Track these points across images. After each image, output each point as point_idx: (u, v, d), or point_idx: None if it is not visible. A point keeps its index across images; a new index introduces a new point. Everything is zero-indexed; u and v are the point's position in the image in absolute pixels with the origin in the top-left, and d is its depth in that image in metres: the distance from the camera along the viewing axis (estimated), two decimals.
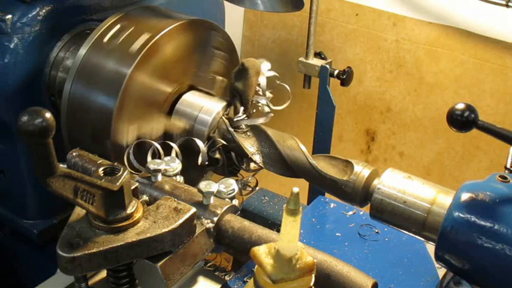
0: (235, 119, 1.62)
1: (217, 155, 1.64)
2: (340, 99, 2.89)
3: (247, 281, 1.49)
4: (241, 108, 1.63)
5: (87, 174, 1.16)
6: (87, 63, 1.63)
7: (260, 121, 1.64)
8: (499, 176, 1.15)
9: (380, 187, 1.31)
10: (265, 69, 1.69)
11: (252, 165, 1.65)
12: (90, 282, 1.23)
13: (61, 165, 1.16)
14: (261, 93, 1.68)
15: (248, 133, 1.64)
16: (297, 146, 1.53)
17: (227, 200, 1.34)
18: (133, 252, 1.13)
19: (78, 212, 1.18)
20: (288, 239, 0.91)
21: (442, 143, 2.83)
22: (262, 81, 1.68)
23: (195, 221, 1.21)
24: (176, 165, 1.39)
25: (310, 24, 2.19)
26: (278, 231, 0.96)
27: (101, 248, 1.10)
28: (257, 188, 1.73)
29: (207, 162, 1.60)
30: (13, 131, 1.71)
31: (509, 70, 2.55)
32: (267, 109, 1.70)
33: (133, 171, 1.45)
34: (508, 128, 1.10)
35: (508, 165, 1.38)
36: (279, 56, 3.20)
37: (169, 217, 1.18)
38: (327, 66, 2.16)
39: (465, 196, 1.12)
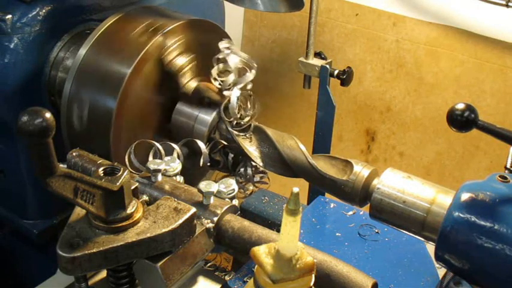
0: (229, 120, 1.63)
1: (218, 157, 1.64)
2: (340, 99, 2.89)
3: (247, 281, 1.49)
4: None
5: (87, 174, 1.16)
6: (87, 63, 1.63)
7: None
8: (499, 176, 1.15)
9: (379, 187, 1.31)
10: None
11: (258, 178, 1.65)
12: (90, 282, 1.23)
13: (61, 165, 1.16)
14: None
15: (248, 133, 1.64)
16: (297, 145, 1.53)
17: (227, 200, 1.34)
18: (133, 252, 1.13)
19: (78, 212, 1.17)
20: (288, 239, 0.91)
21: (442, 143, 2.83)
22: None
23: (195, 221, 1.21)
24: (176, 165, 1.39)
25: (310, 24, 2.19)
26: (278, 231, 0.96)
27: (101, 248, 1.10)
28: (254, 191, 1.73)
29: (208, 163, 1.60)
30: (13, 131, 1.71)
31: (509, 70, 2.55)
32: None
33: (133, 171, 1.45)
34: (508, 128, 1.10)
35: (508, 165, 1.38)
36: (279, 56, 3.20)
37: (169, 217, 1.17)
38: (327, 66, 2.16)
39: (465, 196, 1.12)
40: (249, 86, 1.67)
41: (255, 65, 1.66)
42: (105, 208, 1.12)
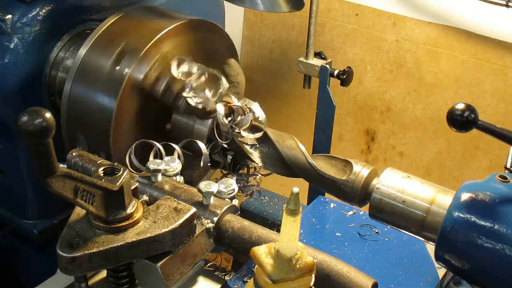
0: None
1: (218, 158, 1.64)
2: (340, 99, 2.89)
3: (247, 281, 1.49)
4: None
5: (87, 174, 1.16)
6: (87, 63, 1.63)
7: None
8: (499, 176, 1.15)
9: (379, 187, 1.31)
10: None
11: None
12: (90, 282, 1.23)
13: (61, 165, 1.16)
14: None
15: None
16: (296, 145, 1.53)
17: (227, 200, 1.34)
18: (133, 252, 1.13)
19: (78, 212, 1.18)
20: (288, 239, 0.91)
21: (442, 143, 2.83)
22: None
23: (195, 221, 1.21)
24: (176, 165, 1.39)
25: (310, 24, 2.19)
26: (278, 231, 0.97)
27: (101, 248, 1.10)
28: (257, 188, 1.72)
29: (209, 164, 1.60)
30: (13, 131, 1.71)
31: (509, 70, 2.55)
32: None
33: (133, 171, 1.45)
34: (508, 128, 1.10)
35: (508, 165, 1.38)
36: (279, 56, 3.20)
37: (169, 217, 1.17)
38: (327, 66, 2.16)
39: (465, 196, 1.12)
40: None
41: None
42: (105, 208, 1.12)
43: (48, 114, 1.05)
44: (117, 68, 1.59)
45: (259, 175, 1.70)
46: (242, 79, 1.73)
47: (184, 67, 1.62)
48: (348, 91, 2.93)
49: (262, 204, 1.99)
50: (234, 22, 3.16)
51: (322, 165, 1.47)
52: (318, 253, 1.20)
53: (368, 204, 1.37)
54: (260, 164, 1.59)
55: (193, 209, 1.20)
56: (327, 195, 1.84)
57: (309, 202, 2.17)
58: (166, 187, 1.32)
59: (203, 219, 1.26)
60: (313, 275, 0.96)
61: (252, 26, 3.26)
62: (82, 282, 1.19)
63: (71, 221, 1.16)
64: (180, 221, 1.17)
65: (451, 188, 1.26)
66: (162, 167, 1.34)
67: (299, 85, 2.36)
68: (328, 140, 2.23)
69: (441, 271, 1.41)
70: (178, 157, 1.50)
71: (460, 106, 1.08)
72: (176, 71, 1.61)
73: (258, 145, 1.59)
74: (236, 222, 1.28)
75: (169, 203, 1.22)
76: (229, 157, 1.65)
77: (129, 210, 1.15)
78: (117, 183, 1.11)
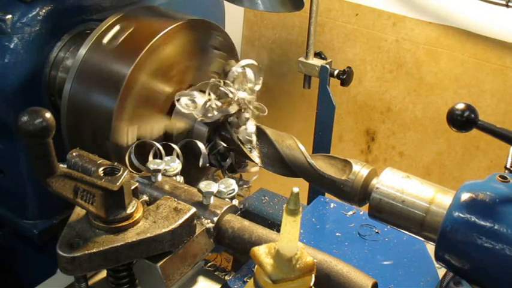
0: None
1: (214, 161, 1.64)
2: (340, 99, 2.89)
3: (247, 281, 1.49)
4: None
5: (87, 174, 1.16)
6: (87, 63, 1.63)
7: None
8: (499, 176, 1.15)
9: (378, 186, 1.31)
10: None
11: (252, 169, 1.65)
12: (90, 282, 1.23)
13: (61, 165, 1.16)
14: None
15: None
16: (296, 145, 1.53)
17: (227, 200, 1.34)
18: (134, 252, 1.13)
19: (78, 212, 1.18)
20: (288, 239, 0.91)
21: (442, 143, 2.83)
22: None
23: (195, 221, 1.21)
24: (176, 165, 1.39)
25: (310, 24, 2.19)
26: (278, 231, 0.97)
27: (101, 248, 1.10)
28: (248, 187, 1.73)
29: (208, 164, 1.60)
30: (13, 131, 1.71)
31: (509, 70, 2.55)
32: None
33: (133, 171, 1.45)
34: (508, 128, 1.10)
35: (508, 165, 1.38)
36: (279, 56, 3.20)
37: (169, 217, 1.18)
38: (327, 66, 2.16)
39: (465, 196, 1.12)
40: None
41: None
42: (105, 208, 1.12)
43: (48, 114, 1.05)
44: (117, 68, 1.59)
45: (251, 180, 1.71)
46: None
47: (184, 100, 1.63)
48: (348, 91, 2.93)
49: (262, 204, 1.99)
50: (234, 22, 3.16)
51: (321, 165, 1.47)
52: (318, 253, 1.20)
53: (368, 204, 1.37)
54: (260, 164, 1.59)
55: (193, 209, 1.20)
56: (327, 195, 1.84)
57: (309, 202, 2.17)
58: (166, 187, 1.32)
59: (203, 219, 1.26)
60: (313, 275, 0.96)
61: (252, 26, 3.26)
62: (82, 282, 1.19)
63: (71, 221, 1.16)
64: (180, 221, 1.17)
65: (451, 188, 1.26)
66: (162, 167, 1.34)
67: (299, 85, 2.36)
68: (328, 140, 2.23)
69: (441, 271, 1.41)
70: (177, 157, 1.50)
71: (460, 106, 1.08)
72: (183, 109, 1.62)
73: (257, 144, 1.60)
74: (236, 222, 1.28)
75: (169, 203, 1.22)
76: (228, 162, 1.65)
77: (129, 210, 1.15)
78: (117, 183, 1.11)
